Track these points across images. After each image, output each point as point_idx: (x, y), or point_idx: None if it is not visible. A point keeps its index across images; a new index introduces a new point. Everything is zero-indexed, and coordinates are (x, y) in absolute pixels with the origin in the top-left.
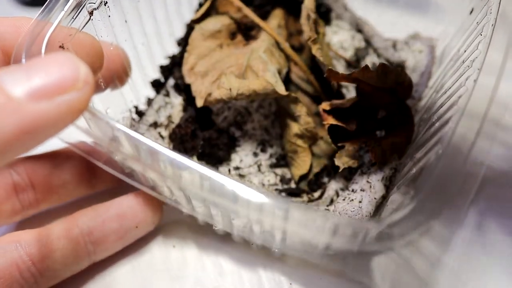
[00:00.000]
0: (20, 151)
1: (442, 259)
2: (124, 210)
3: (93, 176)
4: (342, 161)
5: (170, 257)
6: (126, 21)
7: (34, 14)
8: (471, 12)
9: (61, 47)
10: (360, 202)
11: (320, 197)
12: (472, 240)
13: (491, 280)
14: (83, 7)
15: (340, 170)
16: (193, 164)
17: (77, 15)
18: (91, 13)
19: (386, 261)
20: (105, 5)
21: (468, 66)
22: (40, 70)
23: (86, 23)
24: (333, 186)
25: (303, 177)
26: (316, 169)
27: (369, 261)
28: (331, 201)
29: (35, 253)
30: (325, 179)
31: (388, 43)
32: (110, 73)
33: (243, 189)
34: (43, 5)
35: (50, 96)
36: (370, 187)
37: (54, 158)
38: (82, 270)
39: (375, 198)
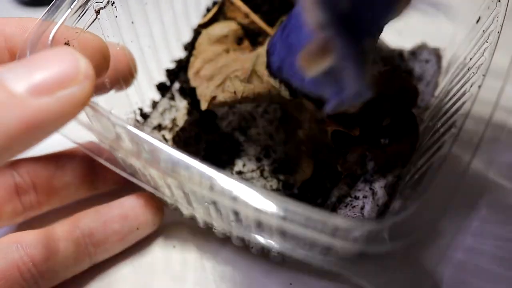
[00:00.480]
0: (23, 147)
1: (442, 265)
2: (126, 211)
3: (95, 177)
4: (345, 167)
5: (171, 258)
6: (133, 22)
7: (34, 14)
8: (477, 21)
9: (67, 44)
10: (362, 208)
11: (322, 203)
12: (472, 246)
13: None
14: (90, 6)
15: (342, 177)
16: (193, 162)
17: (84, 14)
18: (97, 12)
19: (387, 264)
20: (112, 5)
21: (473, 73)
22: (41, 66)
23: (93, 22)
24: (335, 193)
25: (305, 183)
26: (319, 176)
27: (370, 264)
28: (334, 208)
29: (36, 254)
30: (328, 186)
31: (395, 52)
32: (116, 74)
33: (242, 187)
34: (43, 5)
35: (51, 91)
36: (373, 194)
37: (56, 159)
38: (83, 270)
39: (377, 205)
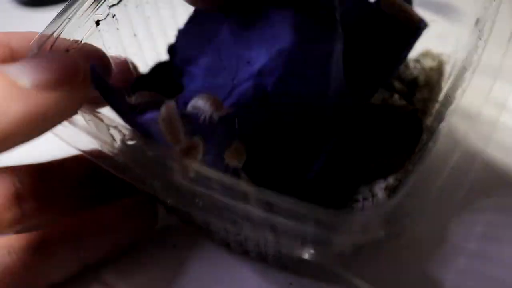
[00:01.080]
0: (25, 137)
1: (444, 270)
2: (121, 215)
3: (98, 185)
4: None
5: (171, 257)
6: (135, 35)
7: (34, 14)
8: (476, 22)
9: (67, 51)
10: (361, 210)
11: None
12: (476, 251)
13: None
14: (90, 18)
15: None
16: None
17: (84, 25)
18: (97, 23)
19: (387, 267)
20: (113, 17)
21: (466, 69)
22: (45, 64)
23: (92, 33)
24: None
25: None
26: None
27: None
28: None
29: (28, 259)
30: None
31: None
32: (122, 85)
33: (229, 180)
34: (42, 5)
35: (54, 87)
36: (373, 196)
37: (59, 167)
38: (81, 272)
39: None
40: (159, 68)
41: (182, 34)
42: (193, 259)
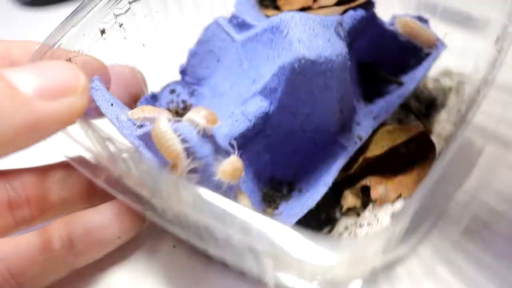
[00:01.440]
0: (24, 143)
1: None
2: (108, 220)
3: (93, 192)
4: (347, 202)
5: (171, 258)
6: (143, 45)
7: (34, 14)
8: (496, 41)
9: (68, 60)
10: (364, 237)
11: (329, 232)
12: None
13: None
14: (95, 26)
15: (343, 211)
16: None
17: (88, 34)
18: (103, 32)
19: None
20: (120, 26)
21: (482, 90)
22: (47, 72)
23: (97, 42)
24: (344, 222)
25: (312, 213)
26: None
27: None
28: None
29: (15, 267)
30: (337, 215)
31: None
32: (127, 96)
33: (223, 202)
34: (43, 5)
35: (55, 95)
36: (378, 221)
37: (54, 173)
38: (78, 271)
39: None
40: (170, 87)
41: (192, 54)
42: (193, 259)
